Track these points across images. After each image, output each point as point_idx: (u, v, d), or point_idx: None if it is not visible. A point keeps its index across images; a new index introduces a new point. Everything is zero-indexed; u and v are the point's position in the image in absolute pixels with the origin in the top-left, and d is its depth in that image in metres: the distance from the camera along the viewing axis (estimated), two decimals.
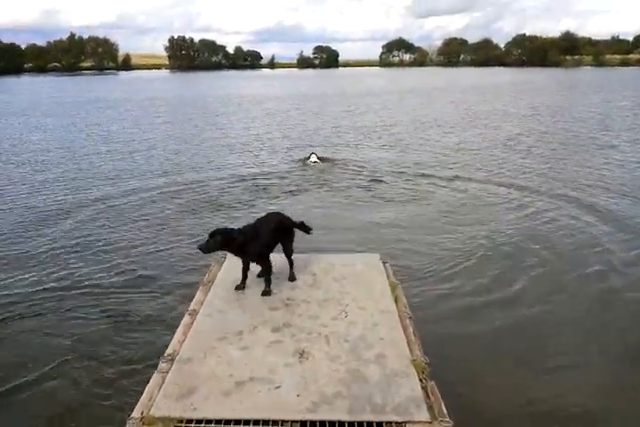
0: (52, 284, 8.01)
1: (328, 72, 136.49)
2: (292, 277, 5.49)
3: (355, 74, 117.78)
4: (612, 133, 23.04)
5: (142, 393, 3.60)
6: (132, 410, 3.42)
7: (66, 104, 41.70)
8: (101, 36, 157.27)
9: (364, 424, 3.34)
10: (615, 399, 5.40)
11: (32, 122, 29.80)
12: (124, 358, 5.96)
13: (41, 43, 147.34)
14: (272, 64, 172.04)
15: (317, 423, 3.34)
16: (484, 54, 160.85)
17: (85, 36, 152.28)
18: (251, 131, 25.57)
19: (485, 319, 6.93)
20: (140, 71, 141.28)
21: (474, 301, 7.44)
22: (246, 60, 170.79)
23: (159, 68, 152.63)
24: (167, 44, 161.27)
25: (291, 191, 13.39)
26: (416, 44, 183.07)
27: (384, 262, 6.00)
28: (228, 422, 3.34)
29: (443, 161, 17.45)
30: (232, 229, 5.09)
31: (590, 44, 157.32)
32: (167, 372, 3.81)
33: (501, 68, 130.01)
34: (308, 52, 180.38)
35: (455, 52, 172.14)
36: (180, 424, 3.31)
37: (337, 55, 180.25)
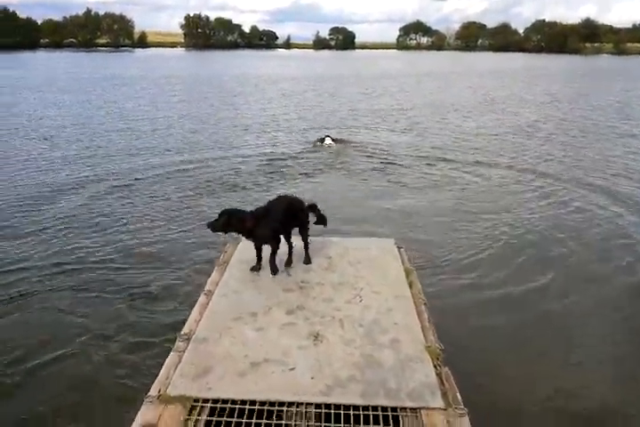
0: (66, 259, 8.07)
1: (344, 54, 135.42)
2: (307, 260, 5.47)
3: (371, 56, 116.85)
4: (633, 122, 22.77)
5: (159, 372, 3.62)
6: (148, 389, 3.45)
7: (82, 80, 41.65)
8: (117, 12, 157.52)
9: (379, 409, 3.34)
10: None
11: (48, 98, 29.81)
12: (139, 336, 5.99)
13: (57, 18, 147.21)
14: (288, 44, 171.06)
15: (332, 406, 3.35)
16: (502, 39, 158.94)
17: (102, 13, 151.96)
18: (267, 111, 25.49)
19: (506, 309, 6.83)
20: (155, 49, 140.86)
21: (494, 290, 7.32)
22: (262, 40, 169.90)
23: (175, 47, 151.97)
24: (183, 22, 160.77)
25: (306, 173, 13.36)
26: (434, 28, 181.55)
27: (399, 247, 5.97)
28: (243, 402, 3.35)
29: (461, 146, 17.31)
30: (241, 210, 5.05)
31: (612, 31, 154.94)
32: (183, 351, 3.83)
33: (520, 54, 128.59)
34: (325, 33, 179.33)
35: (473, 37, 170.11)
36: (195, 404, 3.33)
37: (353, 37, 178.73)
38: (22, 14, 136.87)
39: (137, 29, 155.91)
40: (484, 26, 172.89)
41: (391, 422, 3.28)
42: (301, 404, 3.36)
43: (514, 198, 11.57)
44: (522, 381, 5.45)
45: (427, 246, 8.68)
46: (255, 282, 5.03)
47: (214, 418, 3.26)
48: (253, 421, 3.23)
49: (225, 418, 3.26)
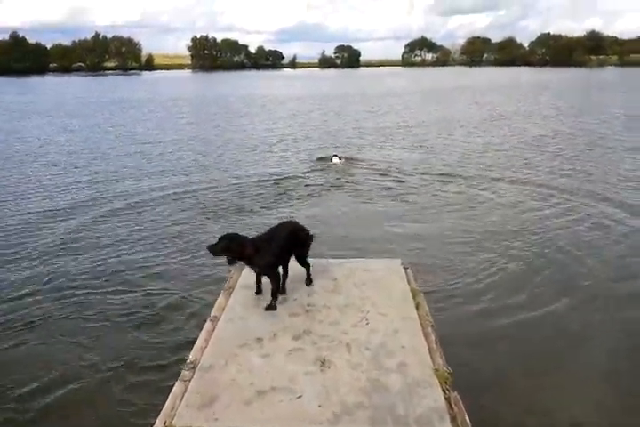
0: (72, 282, 8.11)
1: (350, 72, 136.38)
2: (308, 282, 5.47)
3: (376, 74, 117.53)
4: None
5: (164, 402, 3.61)
6: (155, 418, 3.44)
7: (90, 104, 42.12)
8: (125, 35, 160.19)
9: None
10: None
11: (57, 122, 30.10)
12: (145, 364, 5.95)
13: (66, 42, 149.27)
14: (294, 64, 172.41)
15: None
16: (507, 53, 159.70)
17: (109, 36, 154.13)
18: (274, 132, 25.58)
19: (518, 331, 6.63)
20: (162, 71, 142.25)
21: (506, 312, 7.10)
22: (268, 60, 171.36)
23: (182, 68, 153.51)
24: (190, 44, 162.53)
25: (313, 194, 13.34)
26: (439, 43, 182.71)
27: (405, 268, 5.96)
28: None
29: (469, 162, 17.22)
30: (242, 236, 4.96)
31: (616, 43, 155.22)
32: (189, 380, 3.83)
33: (525, 68, 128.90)
34: (330, 52, 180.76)
35: (478, 52, 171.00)
36: None
37: (359, 55, 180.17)
38: (32, 39, 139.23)
39: (144, 52, 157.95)
40: (489, 40, 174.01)
41: None
42: None
43: (527, 215, 11.38)
44: (533, 406, 5.32)
45: (432, 265, 8.56)
46: (261, 307, 5.01)
47: None
48: None
49: None
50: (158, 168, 16.89)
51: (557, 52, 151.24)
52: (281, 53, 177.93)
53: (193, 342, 4.48)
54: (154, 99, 48.20)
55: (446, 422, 3.41)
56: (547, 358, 6.11)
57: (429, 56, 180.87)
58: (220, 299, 5.22)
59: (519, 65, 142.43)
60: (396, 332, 4.52)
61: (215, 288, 6.87)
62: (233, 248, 4.82)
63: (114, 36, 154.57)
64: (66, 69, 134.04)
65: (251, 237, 4.98)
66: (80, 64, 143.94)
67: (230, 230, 5.39)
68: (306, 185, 14.24)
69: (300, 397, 3.63)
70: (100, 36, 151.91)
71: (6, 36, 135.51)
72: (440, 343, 4.38)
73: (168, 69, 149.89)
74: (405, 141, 22.14)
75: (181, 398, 3.62)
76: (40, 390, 5.55)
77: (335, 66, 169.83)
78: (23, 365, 6.03)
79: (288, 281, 5.36)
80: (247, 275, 5.64)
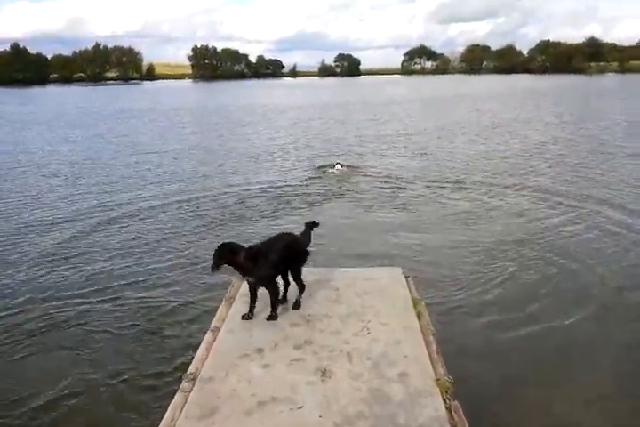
0: (71, 293, 8.10)
1: (349, 80, 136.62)
2: (296, 305, 5.21)
3: (376, 82, 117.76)
4: None
5: (164, 413, 3.60)
6: None
7: (92, 114, 42.24)
8: (126, 45, 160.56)
9: None
10: None
11: (59, 133, 30.16)
12: (146, 375, 5.92)
13: (67, 52, 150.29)
14: (294, 73, 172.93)
15: None
16: (507, 61, 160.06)
17: (110, 46, 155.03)
18: (275, 141, 25.60)
19: (520, 341, 6.56)
20: (163, 81, 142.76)
21: (503, 319, 7.07)
22: (268, 69, 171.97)
23: (182, 78, 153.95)
24: (190, 53, 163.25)
25: (314, 202, 13.34)
26: (439, 51, 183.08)
27: (406, 276, 5.95)
28: None
29: (471, 170, 17.18)
30: (237, 244, 4.86)
31: (616, 49, 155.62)
32: (189, 391, 3.82)
33: (524, 75, 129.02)
34: (330, 61, 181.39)
35: (478, 59, 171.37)
36: None
37: (358, 63, 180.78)
38: (33, 50, 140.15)
39: (145, 62, 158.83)
40: (489, 48, 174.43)
41: None
42: None
43: (533, 223, 11.31)
44: (534, 415, 5.28)
45: (434, 273, 8.53)
46: (262, 317, 4.99)
47: None
48: None
49: None
50: (160, 178, 16.93)
51: (557, 58, 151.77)
52: (281, 62, 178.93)
53: (193, 352, 4.47)
54: (155, 108, 48.32)
55: None
56: (556, 369, 6.03)
57: (429, 64, 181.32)
58: (221, 309, 5.21)
59: (519, 72, 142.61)
60: (398, 341, 4.51)
61: (216, 295, 6.88)
62: (225, 255, 4.71)
63: (114, 46, 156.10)
64: (67, 80, 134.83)
65: (247, 246, 4.89)
66: (81, 74, 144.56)
67: (231, 240, 5.35)
68: (307, 193, 14.24)
69: (300, 407, 3.62)
70: (101, 46, 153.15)
71: (7, 47, 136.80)
72: (442, 352, 4.37)
73: (169, 79, 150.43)
74: (407, 149, 22.16)
75: (181, 410, 3.61)
76: (36, 402, 5.53)
77: (335, 74, 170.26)
78: (19, 377, 6.00)
79: (289, 290, 5.33)
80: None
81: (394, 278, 5.90)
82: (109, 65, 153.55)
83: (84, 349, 6.55)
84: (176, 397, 3.78)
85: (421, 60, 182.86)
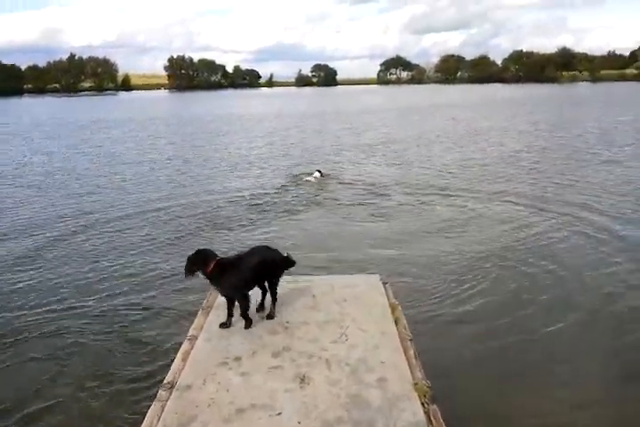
0: (50, 306, 7.95)
1: (326, 90, 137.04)
2: (270, 315, 5.17)
3: (353, 92, 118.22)
4: (615, 149, 22.93)
5: (142, 423, 3.57)
6: None
7: (67, 125, 41.83)
8: (101, 55, 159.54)
9: None
10: None
11: (34, 144, 29.83)
12: (120, 383, 5.85)
13: (41, 63, 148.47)
14: (270, 83, 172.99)
15: None
16: (481, 71, 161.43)
17: (85, 57, 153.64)
18: (253, 150, 25.56)
19: (496, 346, 6.59)
20: (139, 92, 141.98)
21: (479, 323, 7.14)
22: (245, 79, 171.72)
23: (158, 88, 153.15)
24: (167, 64, 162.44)
25: (292, 210, 13.34)
26: (414, 61, 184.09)
27: (384, 283, 5.97)
28: None
29: (446, 178, 17.33)
30: (211, 252, 4.88)
31: (587, 59, 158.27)
32: (166, 400, 3.78)
33: (499, 85, 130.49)
34: (307, 71, 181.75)
35: (453, 69, 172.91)
36: None
37: (335, 73, 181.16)
38: (6, 61, 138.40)
39: (121, 72, 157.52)
40: (463, 58, 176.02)
41: None
42: None
43: (498, 229, 11.44)
44: (512, 418, 5.30)
45: (410, 279, 8.56)
46: (239, 325, 4.98)
47: None
48: None
49: None
50: (136, 187, 16.80)
51: (530, 68, 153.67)
52: (258, 73, 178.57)
53: (171, 360, 4.43)
54: (131, 119, 48.00)
55: None
56: (539, 374, 6.06)
57: (404, 74, 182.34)
58: (199, 317, 5.19)
59: (493, 82, 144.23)
60: (376, 347, 4.53)
61: (194, 301, 6.85)
62: (197, 261, 4.75)
63: (90, 57, 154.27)
64: (41, 91, 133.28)
65: (220, 257, 4.89)
66: (55, 85, 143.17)
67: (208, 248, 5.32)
68: (286, 202, 14.24)
69: (279, 414, 3.61)
70: (76, 57, 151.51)
71: None
72: (420, 358, 4.39)
73: (145, 89, 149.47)
74: (385, 157, 22.30)
75: (159, 419, 3.58)
76: (14, 410, 5.44)
77: (312, 84, 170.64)
78: None
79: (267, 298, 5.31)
80: None
81: (372, 285, 5.92)
82: (84, 76, 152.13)
83: (55, 359, 6.45)
84: (153, 406, 3.75)
85: (397, 70, 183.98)
